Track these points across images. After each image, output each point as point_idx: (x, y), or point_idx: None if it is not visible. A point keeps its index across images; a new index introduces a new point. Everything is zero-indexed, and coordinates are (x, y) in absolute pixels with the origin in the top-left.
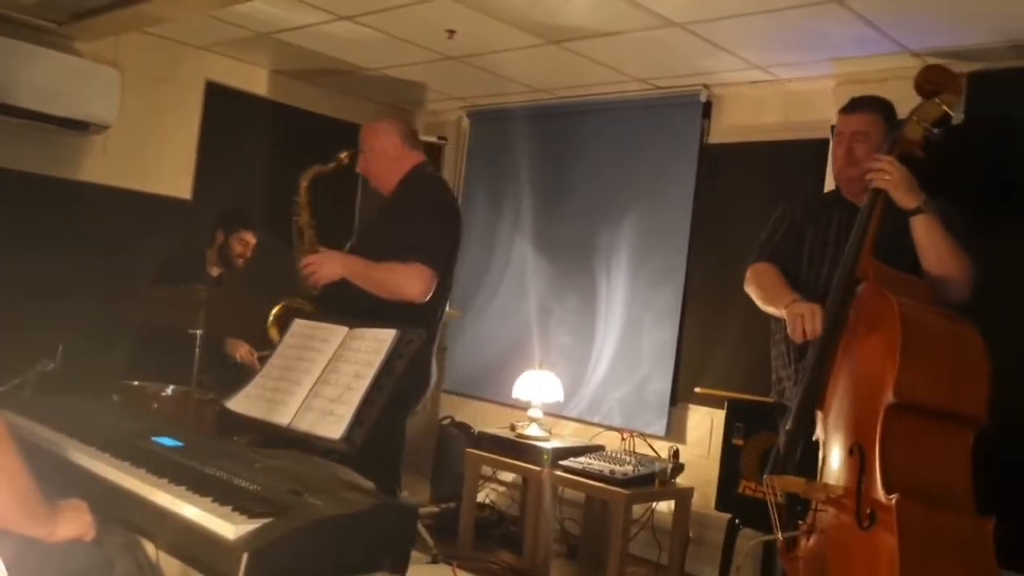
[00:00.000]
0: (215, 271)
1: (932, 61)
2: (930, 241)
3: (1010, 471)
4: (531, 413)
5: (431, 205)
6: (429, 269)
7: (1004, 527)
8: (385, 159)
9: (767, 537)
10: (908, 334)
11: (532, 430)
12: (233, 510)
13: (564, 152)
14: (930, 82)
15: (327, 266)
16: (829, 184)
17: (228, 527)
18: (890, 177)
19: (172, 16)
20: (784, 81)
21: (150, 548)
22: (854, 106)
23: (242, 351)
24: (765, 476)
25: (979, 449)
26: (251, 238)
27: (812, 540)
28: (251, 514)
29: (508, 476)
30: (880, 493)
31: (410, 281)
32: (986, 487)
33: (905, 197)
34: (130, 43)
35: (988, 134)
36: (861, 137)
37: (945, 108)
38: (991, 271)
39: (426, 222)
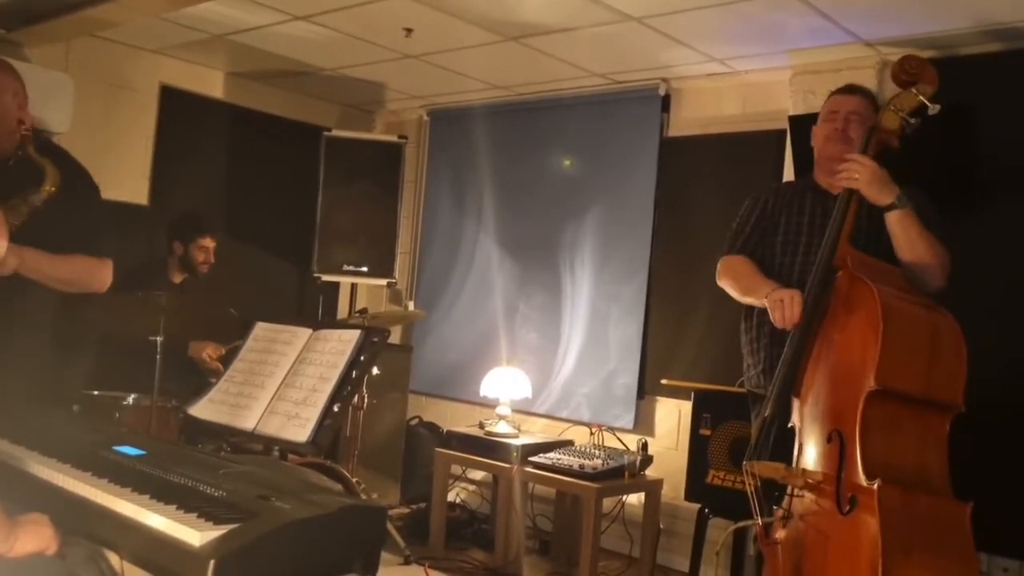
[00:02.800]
0: (177, 278)
1: (885, 50)
2: (904, 235)
3: (984, 456)
4: (499, 411)
5: (91, 188)
6: (111, 261)
7: (980, 511)
8: (7, 117)
9: (746, 523)
10: (889, 322)
11: (501, 427)
12: (198, 517)
13: (525, 149)
14: (906, 72)
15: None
16: (788, 174)
17: (193, 534)
18: (860, 176)
19: (123, 20)
20: (741, 73)
21: (114, 559)
22: (851, 89)
23: (208, 350)
24: (744, 462)
25: (956, 435)
26: (210, 243)
27: (789, 525)
28: (217, 520)
29: (478, 474)
30: (861, 478)
31: (102, 276)
32: (962, 472)
33: (878, 195)
34: (81, 48)
35: (944, 121)
36: (857, 118)
37: (922, 98)
38: (957, 258)
39: (98, 209)
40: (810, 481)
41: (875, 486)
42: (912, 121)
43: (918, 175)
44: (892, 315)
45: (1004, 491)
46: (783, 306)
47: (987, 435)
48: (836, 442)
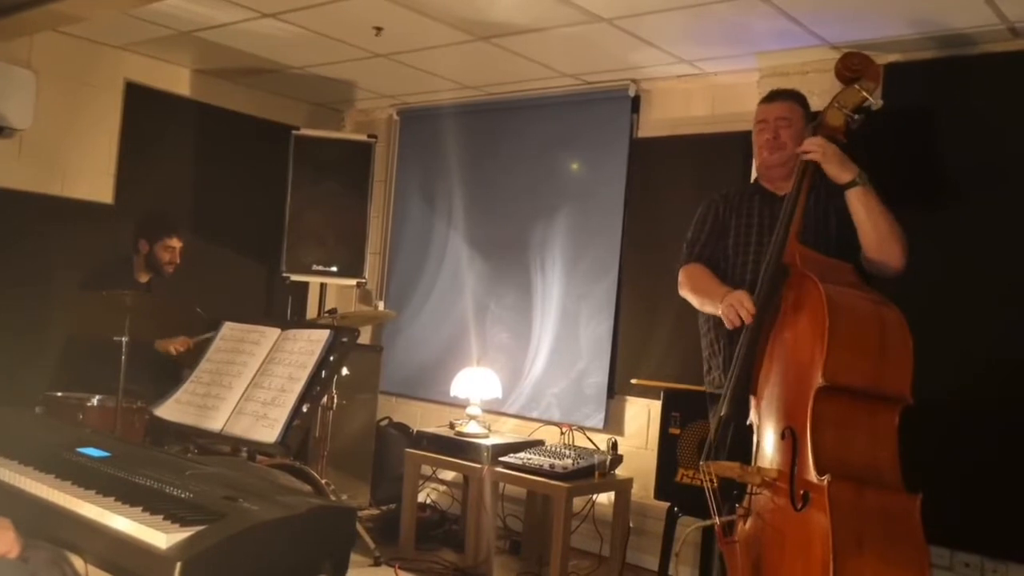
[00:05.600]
0: (144, 277)
1: None
2: (867, 213)
3: (946, 453)
4: (470, 411)
5: None
6: None
7: (942, 507)
8: None
9: (705, 523)
10: (835, 318)
11: (471, 428)
12: (164, 519)
13: (495, 149)
14: (849, 69)
15: None
16: (755, 175)
17: (159, 536)
18: (819, 150)
19: (87, 15)
20: (710, 75)
21: (78, 562)
22: (774, 96)
23: (176, 344)
24: (701, 462)
25: (917, 431)
26: (176, 243)
27: (748, 523)
28: (183, 522)
29: (449, 475)
30: (812, 474)
31: None
32: (923, 468)
33: (838, 170)
34: (44, 43)
35: (906, 124)
36: (785, 123)
37: (864, 94)
38: (914, 258)
39: None
40: (766, 479)
41: (825, 482)
42: (856, 117)
43: (873, 177)
44: (838, 311)
45: (965, 487)
46: (734, 310)
47: (948, 431)
48: (789, 439)
